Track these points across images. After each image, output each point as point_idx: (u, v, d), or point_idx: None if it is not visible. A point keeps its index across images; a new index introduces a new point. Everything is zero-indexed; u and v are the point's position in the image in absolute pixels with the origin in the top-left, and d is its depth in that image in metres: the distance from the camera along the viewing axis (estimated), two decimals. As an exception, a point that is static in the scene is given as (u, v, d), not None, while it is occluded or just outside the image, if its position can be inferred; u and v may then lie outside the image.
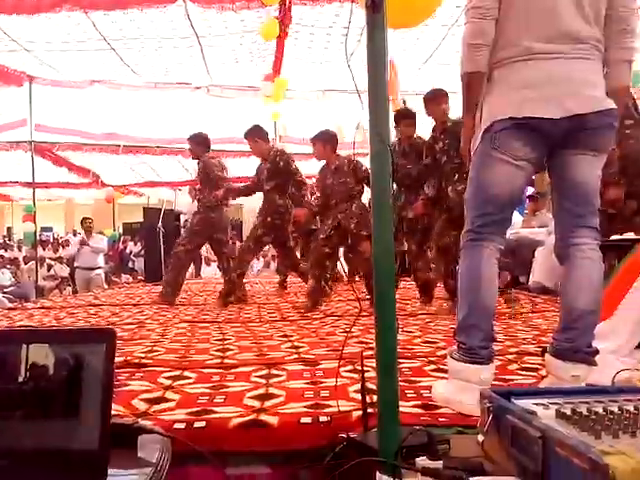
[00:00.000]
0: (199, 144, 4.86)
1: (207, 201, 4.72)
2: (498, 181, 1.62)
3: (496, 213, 1.65)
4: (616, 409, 1.10)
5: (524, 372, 1.98)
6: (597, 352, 1.59)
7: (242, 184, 5.21)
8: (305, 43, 7.58)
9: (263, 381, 1.93)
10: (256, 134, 4.55)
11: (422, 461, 1.01)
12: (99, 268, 7.99)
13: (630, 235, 2.97)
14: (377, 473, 1.10)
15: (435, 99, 3.63)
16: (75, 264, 7.97)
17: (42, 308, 4.81)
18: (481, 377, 1.55)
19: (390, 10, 1.33)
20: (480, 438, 1.23)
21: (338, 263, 6.02)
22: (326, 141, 4.11)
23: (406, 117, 4.06)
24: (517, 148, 1.58)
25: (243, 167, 9.01)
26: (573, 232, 1.65)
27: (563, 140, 1.59)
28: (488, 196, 1.64)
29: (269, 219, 4.45)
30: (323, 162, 4.24)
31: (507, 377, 1.90)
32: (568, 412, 1.10)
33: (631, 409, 1.10)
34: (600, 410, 1.09)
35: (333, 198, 4.08)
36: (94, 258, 7.84)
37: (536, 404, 1.19)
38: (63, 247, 12.65)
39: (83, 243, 7.75)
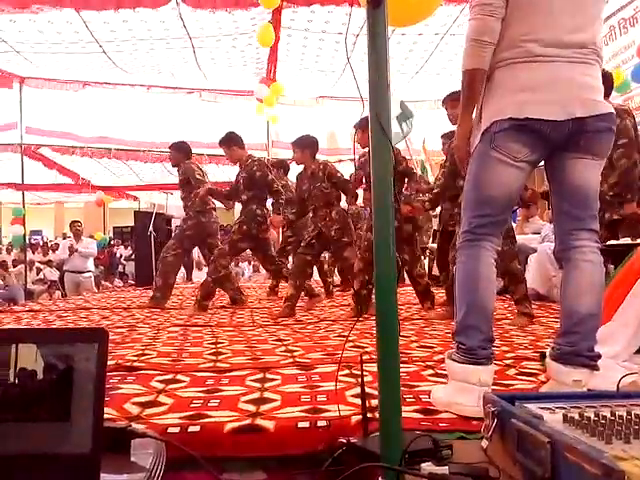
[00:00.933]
0: (179, 151, 4.92)
1: (197, 206, 4.72)
2: (497, 182, 1.60)
3: (494, 214, 1.63)
4: (624, 414, 1.07)
5: (523, 377, 1.95)
6: (599, 356, 1.57)
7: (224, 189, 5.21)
8: (298, 48, 7.60)
9: (258, 385, 1.89)
10: (231, 141, 4.51)
11: (428, 466, 0.98)
12: (89, 272, 7.89)
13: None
14: (379, 479, 1.06)
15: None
16: (64, 267, 7.85)
17: (30, 311, 4.73)
18: (480, 378, 1.52)
19: (390, 7, 1.31)
20: (484, 443, 1.20)
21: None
22: (305, 146, 4.11)
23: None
24: (516, 149, 1.57)
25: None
26: (573, 235, 1.63)
27: (563, 143, 1.58)
28: (486, 197, 1.62)
29: (245, 227, 4.39)
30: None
31: (506, 382, 1.87)
32: (576, 417, 1.07)
33: (640, 413, 1.07)
34: (608, 415, 1.07)
35: (311, 204, 4.08)
36: (84, 262, 7.74)
37: (542, 408, 1.16)
38: (53, 251, 12.50)
39: (72, 250, 7.62)
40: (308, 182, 4.08)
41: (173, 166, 5.06)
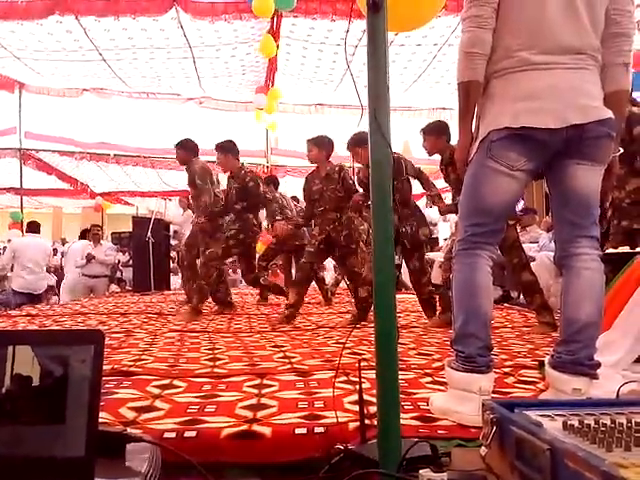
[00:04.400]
0: (186, 149, 4.91)
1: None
2: (493, 191, 1.60)
3: (489, 223, 1.63)
4: (625, 421, 1.06)
5: (522, 385, 1.94)
6: (599, 365, 1.56)
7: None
8: (297, 58, 7.63)
9: (255, 391, 1.88)
10: (228, 149, 4.47)
11: (426, 473, 0.97)
12: (105, 276, 7.96)
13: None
14: (377, 486, 1.05)
15: None
16: (83, 271, 7.86)
17: (27, 316, 4.70)
18: (481, 386, 1.51)
19: (390, 12, 1.31)
20: (482, 451, 1.19)
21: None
22: (322, 145, 3.96)
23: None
24: (513, 158, 1.57)
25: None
26: (573, 242, 1.63)
27: (562, 150, 1.58)
28: (482, 206, 1.62)
29: (242, 236, 4.39)
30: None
31: (504, 390, 1.86)
32: (575, 424, 1.06)
33: (640, 421, 1.06)
34: (608, 422, 1.06)
35: (321, 205, 3.93)
36: (100, 266, 7.80)
37: (541, 416, 1.15)
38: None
39: (89, 258, 7.62)
40: (321, 183, 3.93)
41: (181, 165, 5.05)
